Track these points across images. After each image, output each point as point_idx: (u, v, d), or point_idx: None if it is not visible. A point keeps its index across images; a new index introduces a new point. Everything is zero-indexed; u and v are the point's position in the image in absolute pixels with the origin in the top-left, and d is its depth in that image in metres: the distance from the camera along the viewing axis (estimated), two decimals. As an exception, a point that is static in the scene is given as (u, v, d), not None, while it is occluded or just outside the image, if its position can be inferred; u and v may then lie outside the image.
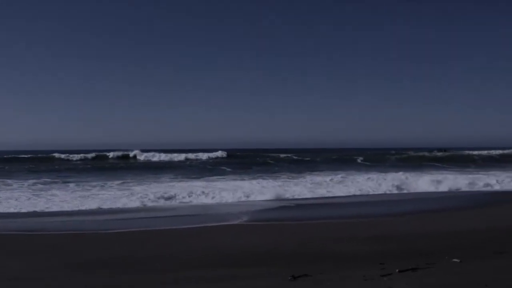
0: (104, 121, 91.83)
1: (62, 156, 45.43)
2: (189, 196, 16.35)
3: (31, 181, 22.19)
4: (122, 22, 78.36)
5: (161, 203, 15.38)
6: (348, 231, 9.42)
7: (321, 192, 18.16)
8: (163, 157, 45.85)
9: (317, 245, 8.02)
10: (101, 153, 47.43)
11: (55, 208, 14.16)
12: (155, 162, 42.61)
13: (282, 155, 47.81)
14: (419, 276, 4.95)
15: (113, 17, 77.70)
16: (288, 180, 22.87)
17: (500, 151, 49.04)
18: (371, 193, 18.30)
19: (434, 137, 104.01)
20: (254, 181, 21.82)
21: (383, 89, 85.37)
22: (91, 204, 14.80)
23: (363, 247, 7.63)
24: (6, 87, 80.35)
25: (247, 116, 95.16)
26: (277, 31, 79.40)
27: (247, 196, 16.63)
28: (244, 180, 22.80)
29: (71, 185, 20.58)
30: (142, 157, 46.45)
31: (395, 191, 18.81)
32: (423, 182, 20.17)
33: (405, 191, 18.90)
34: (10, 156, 45.28)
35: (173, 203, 15.51)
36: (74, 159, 44.29)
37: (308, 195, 17.37)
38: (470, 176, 22.24)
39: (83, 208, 14.22)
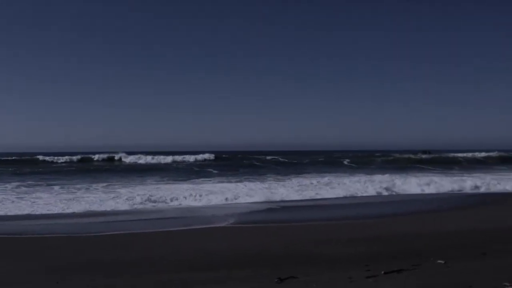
0: (91, 123, 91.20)
1: (47, 158, 44.88)
2: (175, 199, 16.25)
3: (15, 184, 21.89)
4: (116, 24, 78.04)
5: (147, 205, 15.25)
6: (334, 233, 9.45)
7: (308, 194, 18.19)
8: (149, 159, 45.61)
9: (303, 247, 8.03)
10: (86, 156, 46.98)
11: (39, 211, 13.97)
12: (141, 165, 42.31)
13: (268, 157, 47.83)
14: (404, 278, 4.98)
15: (107, 20, 77.31)
16: (274, 182, 22.88)
17: (485, 154, 49.75)
18: (358, 195, 18.40)
19: (417, 139, 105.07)
20: (240, 184, 21.81)
21: (369, 91, 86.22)
22: (76, 207, 14.63)
23: (349, 249, 7.66)
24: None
25: (235, 119, 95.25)
26: (266, 32, 79.76)
27: (234, 199, 16.59)
28: (231, 182, 22.78)
29: (56, 187, 20.32)
30: (128, 159, 46.16)
31: (381, 193, 18.94)
32: (409, 184, 20.36)
33: (391, 193, 19.05)
34: (-7, 158, 44.63)
35: (159, 205, 15.40)
36: (59, 161, 43.82)
37: (295, 197, 17.40)
38: (455, 178, 22.52)
39: (68, 211, 14.05)
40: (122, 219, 12.51)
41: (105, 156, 46.99)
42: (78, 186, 20.82)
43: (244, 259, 7.25)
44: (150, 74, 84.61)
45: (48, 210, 14.19)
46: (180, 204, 15.69)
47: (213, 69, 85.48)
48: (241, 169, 34.17)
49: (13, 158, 44.99)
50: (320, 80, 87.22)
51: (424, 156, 49.62)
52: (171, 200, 16.11)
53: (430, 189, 19.65)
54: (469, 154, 49.29)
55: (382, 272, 5.30)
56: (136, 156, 46.36)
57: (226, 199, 16.50)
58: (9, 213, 13.62)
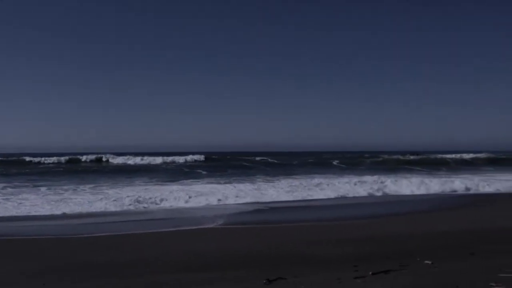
0: (79, 124, 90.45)
1: (34, 159, 44.40)
2: (164, 200, 16.15)
3: (1, 185, 21.58)
4: (108, 25, 77.51)
5: (135, 206, 15.13)
6: (324, 234, 9.46)
7: (297, 195, 18.21)
8: (138, 160, 45.36)
9: (291, 248, 8.02)
10: (74, 157, 46.57)
11: (26, 213, 13.79)
12: (129, 166, 42.07)
13: (257, 158, 47.87)
14: (392, 278, 4.99)
15: (97, 21, 76.79)
16: (264, 183, 22.87)
17: (472, 155, 50.30)
18: (348, 196, 18.45)
19: (405, 141, 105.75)
20: (229, 185, 21.77)
21: (356, 93, 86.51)
22: (63, 208, 14.47)
23: (338, 250, 7.67)
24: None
25: (226, 119, 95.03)
26: (255, 33, 79.76)
27: (222, 200, 16.54)
28: (220, 183, 22.72)
29: (43, 188, 20.08)
30: (116, 160, 45.85)
31: (372, 194, 19.02)
32: (399, 185, 20.49)
33: (381, 194, 19.15)
34: (-22, 159, 44.04)
35: (147, 206, 15.29)
36: (46, 162, 43.36)
37: (284, 198, 17.40)
38: (444, 179, 22.68)
39: (56, 212, 13.89)
40: (110, 221, 12.40)
41: (93, 157, 46.61)
42: (65, 187, 20.60)
43: (233, 260, 7.22)
44: (142, 74, 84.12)
45: (35, 211, 14.01)
46: (169, 206, 15.58)
47: (203, 70, 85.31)
48: (230, 170, 34.12)
49: (-1, 159, 44.49)
50: (313, 81, 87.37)
51: (412, 157, 50.02)
52: (160, 201, 16.00)
53: (419, 190, 19.79)
54: (458, 155, 49.80)
55: (370, 272, 5.30)
56: (125, 157, 46.09)
57: (218, 200, 16.44)
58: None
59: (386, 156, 50.92)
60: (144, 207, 15.08)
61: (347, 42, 79.24)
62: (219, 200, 16.47)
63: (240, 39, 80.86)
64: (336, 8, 76.82)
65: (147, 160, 45.48)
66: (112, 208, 14.76)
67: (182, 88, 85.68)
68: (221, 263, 7.00)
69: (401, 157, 49.89)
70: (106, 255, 7.91)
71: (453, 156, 49.64)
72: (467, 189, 20.36)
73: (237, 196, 17.18)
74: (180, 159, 46.41)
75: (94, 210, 14.35)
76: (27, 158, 44.63)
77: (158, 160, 45.34)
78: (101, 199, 16.24)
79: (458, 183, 21.08)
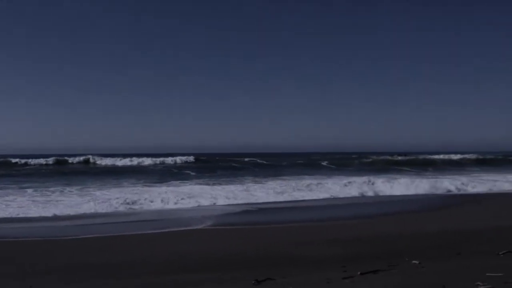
0: (66, 125, 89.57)
1: (19, 160, 43.83)
2: (151, 201, 16.04)
3: (-15, 187, 21.33)
4: (98, 26, 76.81)
5: (123, 208, 15.02)
6: (311, 235, 9.47)
7: (287, 196, 18.22)
8: (127, 161, 45.03)
9: (280, 249, 8.01)
10: (61, 158, 46.06)
11: (14, 214, 13.59)
12: (118, 167, 41.78)
13: (246, 159, 47.85)
14: (380, 278, 5.01)
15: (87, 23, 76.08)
16: (252, 184, 22.85)
17: (460, 155, 50.83)
18: (337, 196, 18.50)
19: (404, 141, 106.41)
20: (218, 186, 21.71)
21: (343, 93, 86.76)
22: (50, 210, 14.30)
23: (326, 251, 7.68)
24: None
25: (216, 122, 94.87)
26: (246, 34, 79.69)
27: (211, 201, 16.49)
28: (209, 184, 22.65)
29: (29, 190, 19.84)
30: (104, 162, 45.43)
31: (361, 195, 19.10)
32: (388, 185, 20.61)
33: (371, 195, 19.24)
34: (-37, 160, 43.36)
35: (134, 208, 15.16)
36: (32, 163, 42.82)
37: (273, 199, 17.40)
38: (432, 179, 22.86)
39: (43, 214, 13.71)
40: (99, 222, 12.27)
41: (80, 158, 46.17)
42: (52, 189, 20.37)
43: (221, 261, 7.20)
44: (131, 75, 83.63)
45: (23, 213, 13.82)
46: (156, 207, 15.48)
47: (194, 71, 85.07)
48: (219, 171, 34.08)
49: (-16, 160, 43.84)
50: (310, 81, 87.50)
51: (400, 158, 50.38)
52: (147, 202, 15.89)
53: (408, 190, 19.92)
54: (446, 156, 50.29)
55: (359, 272, 5.31)
56: (113, 159, 45.72)
57: (206, 201, 16.38)
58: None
59: (374, 157, 51.23)
60: (132, 209, 14.97)
61: (347, 42, 79.47)
62: (207, 201, 16.42)
63: (236, 40, 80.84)
64: (336, 8, 76.93)
65: (136, 161, 45.19)
66: (100, 209, 14.63)
67: (173, 89, 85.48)
68: (209, 265, 6.97)
69: (389, 157, 50.23)
70: (89, 256, 7.83)
71: (441, 157, 50.11)
72: (455, 189, 20.57)
73: (225, 197, 17.14)
74: (170, 160, 46.22)
75: (82, 212, 14.19)
76: (13, 160, 44.06)
77: (147, 161, 45.10)
78: (89, 200, 16.10)
79: (446, 184, 21.29)
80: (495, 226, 9.90)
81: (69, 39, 78.01)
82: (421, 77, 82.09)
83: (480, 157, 50.57)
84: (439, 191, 19.96)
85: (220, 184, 22.95)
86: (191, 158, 47.68)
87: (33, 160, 43.59)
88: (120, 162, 44.84)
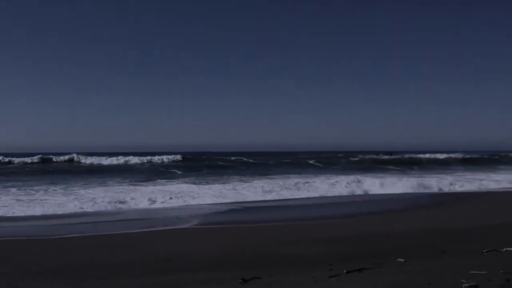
0: (51, 123, 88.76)
1: (3, 158, 43.16)
2: (136, 200, 15.90)
3: (-33, 186, 20.97)
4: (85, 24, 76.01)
5: (107, 207, 14.86)
6: (298, 234, 9.47)
7: (273, 195, 18.23)
8: (113, 160, 44.62)
9: (267, 248, 8.00)
10: (46, 156, 45.46)
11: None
12: (104, 166, 41.38)
13: (233, 158, 47.81)
14: (365, 276, 5.03)
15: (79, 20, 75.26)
16: (239, 183, 22.83)
17: (446, 155, 51.40)
18: (325, 195, 18.56)
19: (378, 140, 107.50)
20: (204, 184, 21.65)
21: (343, 93, 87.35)
22: (35, 209, 14.11)
23: (313, 250, 7.69)
24: None
25: (216, 122, 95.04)
26: (246, 34, 79.66)
27: (197, 200, 16.42)
28: (195, 183, 22.57)
29: (13, 189, 19.56)
30: (89, 160, 44.95)
31: (348, 193, 19.19)
32: (375, 184, 20.75)
33: (357, 193, 19.34)
34: None
35: (119, 207, 15.02)
36: (16, 162, 42.21)
37: (260, 198, 17.39)
38: (418, 178, 23.09)
39: (28, 213, 13.52)
40: (79, 222, 12.13)
41: (65, 157, 45.62)
42: (36, 187, 20.11)
43: (207, 260, 7.16)
44: (134, 75, 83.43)
45: (4, 212, 13.60)
46: (141, 206, 15.34)
47: (191, 71, 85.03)
48: (206, 170, 34.00)
49: (-34, 158, 43.10)
50: (305, 81, 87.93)
51: (386, 157, 50.80)
52: (133, 201, 15.76)
53: (396, 189, 20.07)
54: (432, 155, 50.82)
55: (345, 271, 5.32)
56: (99, 157, 45.26)
57: (192, 200, 16.31)
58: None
59: (361, 156, 51.57)
60: (117, 208, 14.82)
61: (347, 42, 79.90)
62: (194, 200, 16.35)
63: (236, 40, 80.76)
64: (336, 8, 77.39)
65: (122, 160, 44.81)
66: (84, 209, 14.47)
67: (173, 89, 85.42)
68: (196, 264, 6.93)
69: (375, 156, 50.61)
70: (74, 257, 7.73)
71: (427, 155, 50.62)
72: (442, 188, 20.80)
73: (212, 196, 17.10)
74: (157, 159, 45.96)
75: (66, 211, 14.02)
76: (-4, 158, 43.44)
77: (134, 160, 44.78)
78: (73, 200, 15.93)
79: (433, 182, 21.52)
80: (482, 224, 10.00)
81: (69, 39, 77.65)
82: (421, 77, 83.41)
83: (467, 156, 51.21)
84: (426, 190, 20.15)
85: (207, 183, 22.89)
86: (179, 157, 47.48)
87: (16, 158, 42.98)
88: (106, 161, 44.41)
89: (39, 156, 44.77)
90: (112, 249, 8.37)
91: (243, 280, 5.31)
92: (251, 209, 14.64)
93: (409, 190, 19.87)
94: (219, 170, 35.23)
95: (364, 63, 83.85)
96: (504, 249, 6.17)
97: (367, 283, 4.58)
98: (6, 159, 42.61)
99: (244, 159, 47.28)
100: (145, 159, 45.38)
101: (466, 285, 4.03)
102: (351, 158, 48.78)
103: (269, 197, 17.77)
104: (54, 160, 44.81)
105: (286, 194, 18.38)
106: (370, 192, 19.59)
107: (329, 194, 18.78)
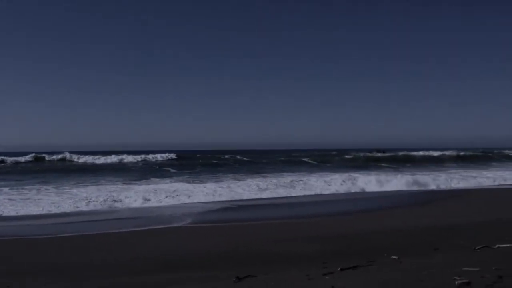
0: (45, 122, 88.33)
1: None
2: (130, 199, 15.85)
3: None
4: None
5: (100, 206, 14.79)
6: (292, 232, 9.48)
7: (267, 193, 18.23)
8: (107, 159, 44.39)
9: (261, 246, 8.00)
10: (39, 155, 45.15)
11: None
12: (98, 165, 41.16)
13: (227, 156, 47.79)
14: (359, 274, 5.04)
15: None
16: (234, 181, 22.81)
17: (439, 152, 51.65)
18: (320, 193, 18.58)
19: (371, 138, 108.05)
20: (198, 183, 21.61)
21: (343, 93, 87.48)
22: (27, 208, 14.02)
23: (307, 247, 7.69)
24: None
25: (216, 121, 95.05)
26: (246, 34, 79.57)
27: (191, 198, 16.38)
28: (189, 182, 22.52)
29: (5, 189, 19.41)
30: (83, 159, 44.70)
31: (342, 191, 19.23)
32: (369, 182, 20.82)
33: (352, 191, 19.39)
34: None
35: (112, 206, 14.96)
36: (8, 161, 41.90)
37: (254, 196, 17.38)
38: (412, 176, 23.14)
39: (21, 213, 13.43)
40: (73, 221, 12.08)
41: (58, 156, 45.33)
42: (28, 187, 19.98)
43: (202, 259, 7.15)
44: (134, 75, 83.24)
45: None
46: (134, 205, 15.28)
47: (191, 71, 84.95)
48: (200, 168, 33.93)
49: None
50: (305, 81, 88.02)
51: (379, 154, 50.94)
52: (126, 200, 15.70)
53: (390, 187, 20.14)
54: (426, 152, 51.03)
55: (339, 269, 5.33)
56: (92, 156, 45.02)
57: (186, 198, 16.28)
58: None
59: (355, 153, 51.68)
60: (110, 207, 14.76)
61: (347, 42, 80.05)
62: (187, 198, 16.31)
63: (236, 40, 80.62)
64: (336, 8, 77.45)
65: (115, 158, 44.61)
66: (77, 208, 14.39)
67: (173, 89, 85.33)
68: (190, 263, 6.92)
69: (369, 154, 50.75)
70: (65, 256, 7.70)
71: (420, 153, 50.82)
72: (436, 185, 20.89)
73: (206, 195, 17.07)
74: (151, 158, 45.82)
75: (58, 211, 13.95)
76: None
77: (128, 158, 44.63)
78: (66, 199, 15.85)
79: (426, 180, 21.62)
80: (476, 221, 10.06)
81: (69, 39, 77.14)
82: (421, 77, 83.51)
83: (460, 153, 51.48)
84: (420, 187, 20.23)
85: (201, 181, 22.85)
86: (173, 156, 47.38)
87: (9, 158, 42.65)
88: (99, 160, 44.19)
89: (33, 155, 44.48)
90: (105, 248, 8.33)
91: (237, 278, 5.30)
92: (245, 207, 14.63)
93: (404, 188, 19.94)
94: (213, 168, 35.20)
95: (364, 63, 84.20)
96: (497, 246, 6.20)
97: (361, 280, 4.59)
98: (-1, 158, 42.33)
99: (238, 157, 47.27)
100: (139, 157, 45.22)
101: (459, 281, 4.04)
102: (345, 156, 48.87)
103: (263, 195, 17.76)
104: (47, 159, 44.51)
105: (281, 192, 18.38)
106: (365, 190, 19.65)
107: (324, 192, 18.80)
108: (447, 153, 51.09)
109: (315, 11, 78.65)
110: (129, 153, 48.38)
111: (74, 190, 18.47)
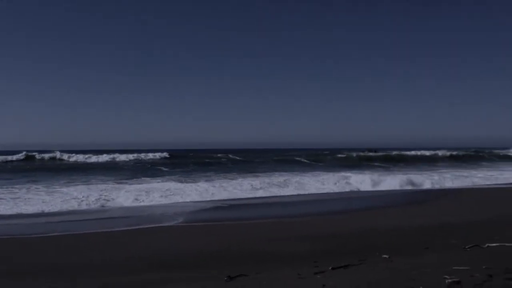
0: (36, 120, 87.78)
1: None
2: (120, 198, 15.76)
3: None
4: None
5: (90, 205, 14.68)
6: (285, 231, 9.47)
7: (261, 192, 18.22)
8: (100, 158, 44.09)
9: (253, 245, 7.99)
10: (30, 154, 44.74)
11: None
12: (90, 164, 40.86)
13: (220, 155, 47.72)
14: (350, 272, 5.04)
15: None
16: (225, 180, 22.76)
17: (432, 152, 51.94)
18: (312, 192, 18.59)
19: (364, 137, 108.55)
20: (190, 182, 21.54)
21: (343, 92, 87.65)
22: (17, 208, 13.89)
23: (299, 247, 7.69)
24: None
25: (216, 121, 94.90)
26: (246, 34, 79.45)
27: (182, 197, 16.33)
28: (181, 181, 22.44)
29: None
30: (74, 158, 44.37)
31: (335, 190, 19.26)
32: (362, 181, 20.89)
33: (344, 190, 19.43)
34: None
35: (103, 205, 14.86)
36: (-1, 160, 41.55)
37: (246, 195, 17.36)
38: (404, 175, 23.25)
39: (10, 212, 13.31)
40: (63, 220, 11.99)
41: (49, 154, 44.93)
42: (18, 186, 19.80)
43: (194, 258, 7.12)
44: (134, 75, 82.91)
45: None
46: (125, 204, 15.20)
47: (191, 71, 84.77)
48: (192, 167, 33.83)
49: None
50: (305, 81, 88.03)
51: (371, 153, 51.12)
52: (117, 199, 15.61)
53: (383, 186, 20.23)
54: (418, 152, 51.30)
55: (330, 268, 5.33)
56: (83, 155, 44.68)
57: (175, 197, 16.21)
58: None
59: (347, 153, 51.81)
60: (100, 206, 14.66)
61: (347, 42, 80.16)
62: (179, 197, 16.26)
63: (236, 40, 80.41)
64: (336, 8, 77.57)
65: (106, 157, 44.34)
66: (66, 207, 14.28)
67: (173, 89, 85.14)
68: (182, 262, 6.90)
69: (361, 153, 50.91)
70: (55, 256, 7.64)
71: (412, 152, 51.07)
72: (429, 184, 21.00)
73: (197, 194, 17.02)
74: (144, 156, 45.65)
75: (47, 210, 13.84)
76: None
77: (121, 157, 44.41)
78: (56, 198, 15.71)
79: (418, 179, 21.73)
80: (467, 220, 10.10)
81: (69, 39, 76.68)
82: (420, 77, 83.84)
83: (453, 153, 51.78)
84: (413, 187, 20.33)
85: (193, 180, 22.78)
86: (166, 154, 47.24)
87: (0, 156, 42.27)
88: (91, 158, 43.89)
89: (24, 153, 44.10)
90: (95, 247, 8.27)
91: (228, 277, 5.28)
92: (237, 206, 14.61)
93: (396, 187, 20.03)
94: (206, 167, 35.12)
95: (364, 63, 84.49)
96: (486, 245, 6.24)
97: (351, 279, 4.59)
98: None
99: (231, 156, 47.22)
100: (131, 156, 45.02)
101: (449, 280, 4.05)
102: (338, 155, 48.98)
103: (256, 194, 17.74)
104: (38, 157, 44.16)
105: (274, 191, 18.37)
106: (358, 189, 19.70)
107: (317, 191, 18.83)
108: (439, 152, 51.38)
109: (315, 11, 78.85)
110: (122, 152, 48.17)
111: (65, 189, 18.31)
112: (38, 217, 12.44)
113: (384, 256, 6.06)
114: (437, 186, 20.73)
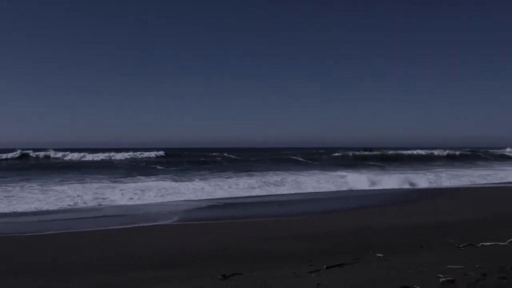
0: (32, 118, 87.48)
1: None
2: (115, 197, 15.70)
3: None
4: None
5: (84, 204, 14.61)
6: (281, 230, 9.47)
7: (257, 191, 18.21)
8: (95, 156, 43.95)
9: (248, 244, 7.98)
10: (24, 152, 44.54)
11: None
12: (85, 162, 40.77)
13: (215, 154, 47.69)
14: (345, 271, 5.05)
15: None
16: (221, 179, 22.74)
17: (428, 151, 52.11)
18: (309, 191, 18.60)
19: (361, 137, 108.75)
20: (186, 180, 21.51)
21: (343, 92, 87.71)
22: (11, 206, 13.81)
23: (294, 246, 7.69)
24: None
25: (216, 121, 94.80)
26: (246, 34, 79.35)
27: (178, 196, 16.30)
28: (176, 180, 22.40)
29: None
30: (68, 157, 44.20)
31: (331, 189, 19.27)
32: (358, 180, 20.91)
33: (340, 189, 19.44)
34: None
35: (97, 203, 14.79)
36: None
37: (242, 194, 17.35)
38: (400, 174, 23.32)
39: (4, 210, 13.23)
40: (57, 218, 11.93)
41: (44, 153, 44.75)
42: (12, 184, 19.70)
43: (187, 257, 7.10)
44: (134, 75, 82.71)
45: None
46: (123, 203, 15.16)
47: (191, 71, 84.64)
48: (187, 166, 33.78)
49: None
50: (305, 81, 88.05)
51: (366, 152, 51.22)
52: (111, 198, 15.55)
53: (380, 185, 20.26)
54: (414, 151, 51.45)
55: (325, 266, 5.33)
56: (78, 153, 44.53)
57: (170, 196, 16.18)
58: None
59: (343, 152, 51.89)
60: (95, 205, 14.59)
61: (347, 42, 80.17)
62: (175, 196, 16.23)
63: (236, 40, 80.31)
64: (336, 8, 77.56)
65: (101, 156, 44.20)
66: (60, 205, 14.21)
67: (173, 89, 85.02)
68: (177, 260, 6.88)
69: (357, 152, 51.01)
70: (50, 255, 7.60)
71: (409, 152, 51.21)
72: (425, 183, 21.07)
73: (193, 192, 17.00)
74: (139, 155, 45.54)
75: (41, 208, 13.75)
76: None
77: (116, 156, 44.29)
78: (50, 196, 15.64)
79: (414, 178, 21.79)
80: (463, 219, 10.13)
81: (69, 39, 76.39)
82: (420, 77, 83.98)
83: (450, 152, 51.97)
84: (409, 185, 20.37)
85: (188, 179, 22.74)
86: (161, 153, 47.19)
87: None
88: (86, 157, 43.75)
89: (18, 152, 43.89)
90: (90, 246, 8.24)
91: (223, 276, 5.27)
92: (233, 205, 14.59)
93: (393, 186, 20.07)
94: (201, 166, 35.08)
95: (364, 63, 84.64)
96: (481, 244, 6.26)
97: (346, 278, 4.59)
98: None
99: (226, 154, 47.19)
100: (127, 154, 44.92)
101: (443, 279, 4.06)
102: (334, 154, 49.04)
103: (251, 193, 17.74)
104: (32, 155, 43.97)
105: (269, 190, 18.37)
106: (354, 188, 19.73)
107: (314, 190, 18.83)
108: (435, 152, 51.55)
109: (315, 11, 78.90)
110: (118, 150, 48.06)
111: (59, 188, 18.23)
112: (32, 216, 12.37)
113: (379, 255, 6.07)
114: (433, 185, 20.79)
